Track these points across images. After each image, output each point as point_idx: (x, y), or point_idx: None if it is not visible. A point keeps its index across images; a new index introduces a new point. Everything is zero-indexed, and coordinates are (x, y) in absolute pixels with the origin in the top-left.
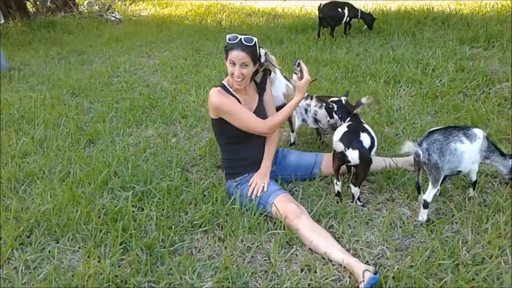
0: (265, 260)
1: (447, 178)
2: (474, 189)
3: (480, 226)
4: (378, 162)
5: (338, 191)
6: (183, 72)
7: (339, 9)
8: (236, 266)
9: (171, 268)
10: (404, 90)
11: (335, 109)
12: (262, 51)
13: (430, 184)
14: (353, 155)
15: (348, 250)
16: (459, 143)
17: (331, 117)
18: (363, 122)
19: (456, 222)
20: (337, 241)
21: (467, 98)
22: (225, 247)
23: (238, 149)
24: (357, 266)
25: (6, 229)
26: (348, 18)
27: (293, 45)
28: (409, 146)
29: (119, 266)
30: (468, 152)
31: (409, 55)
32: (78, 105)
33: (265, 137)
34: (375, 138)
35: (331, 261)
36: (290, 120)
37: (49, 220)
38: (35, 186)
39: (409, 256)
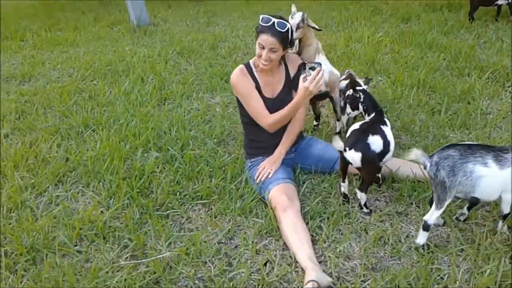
0: (236, 245)
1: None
2: (503, 222)
3: (481, 266)
4: (404, 169)
5: (343, 193)
6: None
7: None
8: (205, 243)
9: (149, 230)
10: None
11: (361, 99)
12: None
13: (434, 203)
14: (354, 157)
15: (320, 256)
16: (481, 165)
17: (355, 108)
18: (386, 121)
19: (459, 255)
20: (315, 244)
21: None
22: (210, 225)
23: (256, 131)
24: (310, 274)
25: (54, 166)
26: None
27: (418, 24)
28: (416, 154)
29: (117, 218)
30: (491, 178)
31: None
32: (175, 65)
33: (288, 123)
34: (392, 142)
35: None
36: (334, 108)
37: (86, 166)
38: (97, 133)
39: (373, 279)
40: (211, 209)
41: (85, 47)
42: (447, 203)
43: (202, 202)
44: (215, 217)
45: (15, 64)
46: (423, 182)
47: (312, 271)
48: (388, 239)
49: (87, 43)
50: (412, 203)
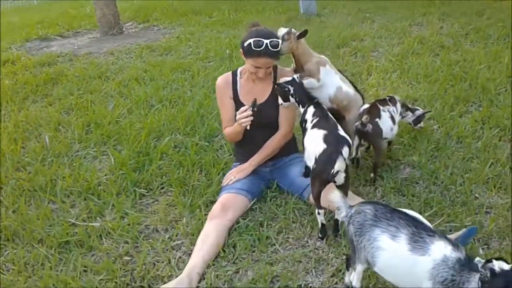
0: (150, 236)
1: None
2: None
3: None
4: None
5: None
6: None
7: None
8: (136, 225)
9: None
10: None
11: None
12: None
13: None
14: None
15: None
16: (389, 236)
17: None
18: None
19: None
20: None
21: None
22: (163, 212)
23: (242, 138)
24: (174, 281)
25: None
26: None
27: None
28: (336, 196)
29: (115, 181)
30: (394, 258)
31: None
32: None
33: (269, 134)
34: None
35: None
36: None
37: (121, 132)
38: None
39: None
40: (179, 199)
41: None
42: (359, 268)
43: (176, 190)
44: (172, 206)
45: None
46: None
47: (175, 282)
48: None
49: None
50: None
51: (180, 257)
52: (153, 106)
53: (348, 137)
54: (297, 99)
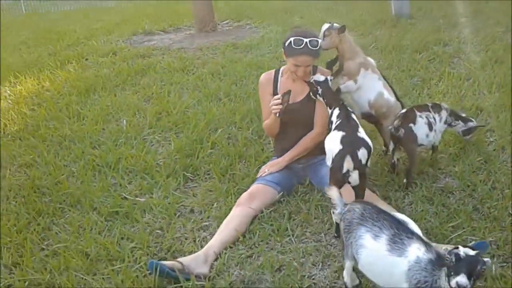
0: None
1: None
2: None
3: None
4: None
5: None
6: None
7: None
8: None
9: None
10: None
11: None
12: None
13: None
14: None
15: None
16: (371, 235)
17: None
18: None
19: None
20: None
21: None
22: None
23: (280, 131)
24: (187, 258)
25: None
26: None
27: None
28: (334, 193)
29: (169, 164)
30: (374, 257)
31: None
32: None
33: (303, 132)
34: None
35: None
36: (382, 137)
37: (185, 121)
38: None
39: None
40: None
41: None
42: (347, 264)
43: (214, 177)
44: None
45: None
46: None
47: (193, 257)
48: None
49: None
50: None
51: (205, 237)
52: (220, 99)
53: (368, 140)
54: (325, 100)
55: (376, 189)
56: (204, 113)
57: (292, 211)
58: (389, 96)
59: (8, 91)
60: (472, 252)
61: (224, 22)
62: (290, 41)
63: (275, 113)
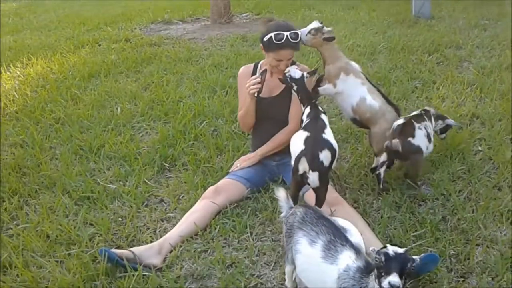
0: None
1: None
2: None
3: None
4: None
5: None
6: None
7: None
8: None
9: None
10: None
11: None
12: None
13: None
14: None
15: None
16: (307, 240)
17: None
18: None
19: None
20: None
21: None
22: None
23: (255, 126)
24: (140, 248)
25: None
26: None
27: None
28: (281, 195)
29: (148, 153)
30: (307, 263)
31: None
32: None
33: (279, 128)
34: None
35: None
36: (370, 141)
37: (176, 111)
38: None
39: None
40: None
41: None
42: (287, 269)
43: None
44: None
45: None
46: None
47: (147, 247)
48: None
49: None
50: None
51: (165, 229)
52: (216, 92)
53: (333, 142)
54: (299, 96)
55: (348, 192)
56: (195, 104)
57: (258, 208)
58: (372, 101)
59: (18, 72)
60: (401, 250)
61: (244, 14)
62: (271, 37)
63: (253, 93)
